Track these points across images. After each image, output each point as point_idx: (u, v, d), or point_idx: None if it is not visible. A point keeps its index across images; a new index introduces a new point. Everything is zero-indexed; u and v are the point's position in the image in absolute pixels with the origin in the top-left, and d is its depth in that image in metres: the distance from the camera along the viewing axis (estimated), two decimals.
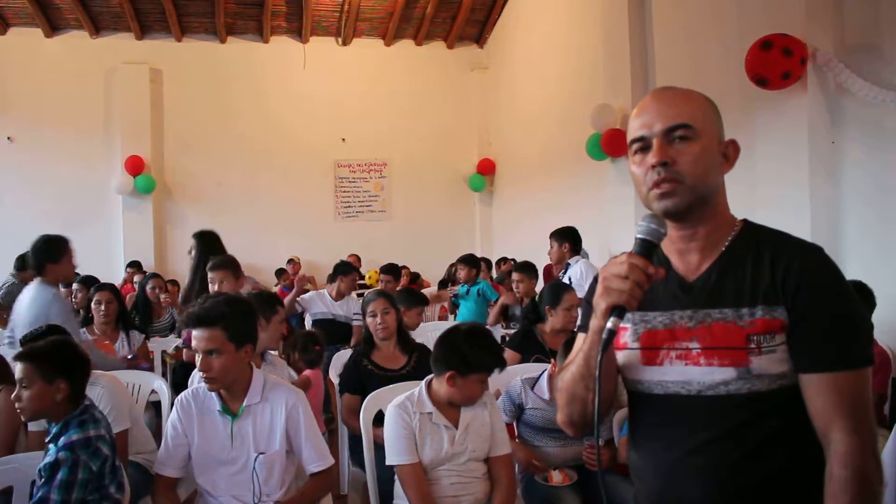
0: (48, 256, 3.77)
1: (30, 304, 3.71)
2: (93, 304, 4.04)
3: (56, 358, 2.29)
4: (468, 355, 2.43)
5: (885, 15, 4.01)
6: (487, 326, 5.73)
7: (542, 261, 5.89)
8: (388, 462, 2.44)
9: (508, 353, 3.73)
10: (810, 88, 4.19)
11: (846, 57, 4.08)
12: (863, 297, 3.24)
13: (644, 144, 1.33)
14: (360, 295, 6.62)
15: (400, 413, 2.45)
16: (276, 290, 9.40)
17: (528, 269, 5.35)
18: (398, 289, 5.54)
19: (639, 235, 1.28)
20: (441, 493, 2.45)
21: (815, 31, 4.17)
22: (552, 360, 3.10)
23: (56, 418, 2.27)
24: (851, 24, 4.19)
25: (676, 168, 1.29)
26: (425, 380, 2.58)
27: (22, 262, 6.28)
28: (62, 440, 2.21)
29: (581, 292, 3.84)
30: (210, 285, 3.81)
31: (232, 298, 2.49)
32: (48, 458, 2.18)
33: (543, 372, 2.99)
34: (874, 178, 4.07)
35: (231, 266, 3.85)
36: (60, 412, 2.27)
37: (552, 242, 5.30)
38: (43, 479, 2.14)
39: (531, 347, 3.69)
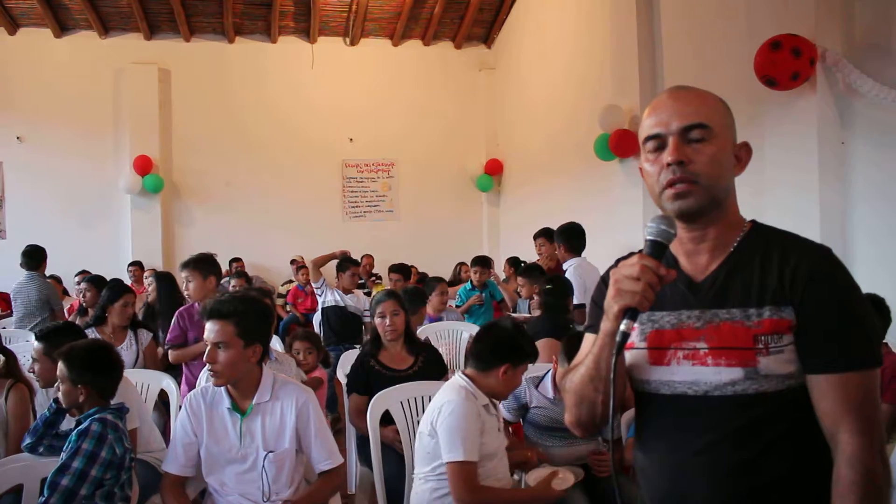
0: None
1: None
2: (117, 306, 4.09)
3: (82, 362, 2.40)
4: (523, 345, 2.53)
5: (895, 15, 3.99)
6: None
7: None
8: (452, 459, 2.32)
9: None
10: (819, 89, 4.17)
11: (855, 57, 4.06)
12: (878, 310, 3.04)
13: (659, 142, 1.32)
14: (367, 294, 6.67)
15: (472, 408, 2.39)
16: (282, 289, 9.44)
17: (532, 273, 5.34)
18: (401, 288, 5.58)
19: (649, 237, 1.27)
20: (507, 479, 2.55)
21: (825, 32, 4.15)
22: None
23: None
24: (861, 25, 4.17)
25: (692, 168, 1.28)
26: (461, 376, 2.52)
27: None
28: (96, 414, 2.34)
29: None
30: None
31: (249, 297, 2.53)
32: (79, 427, 2.31)
33: (548, 371, 3.00)
34: (884, 178, 4.05)
35: (200, 265, 3.98)
36: (86, 409, 2.40)
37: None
38: (69, 445, 2.24)
39: None
